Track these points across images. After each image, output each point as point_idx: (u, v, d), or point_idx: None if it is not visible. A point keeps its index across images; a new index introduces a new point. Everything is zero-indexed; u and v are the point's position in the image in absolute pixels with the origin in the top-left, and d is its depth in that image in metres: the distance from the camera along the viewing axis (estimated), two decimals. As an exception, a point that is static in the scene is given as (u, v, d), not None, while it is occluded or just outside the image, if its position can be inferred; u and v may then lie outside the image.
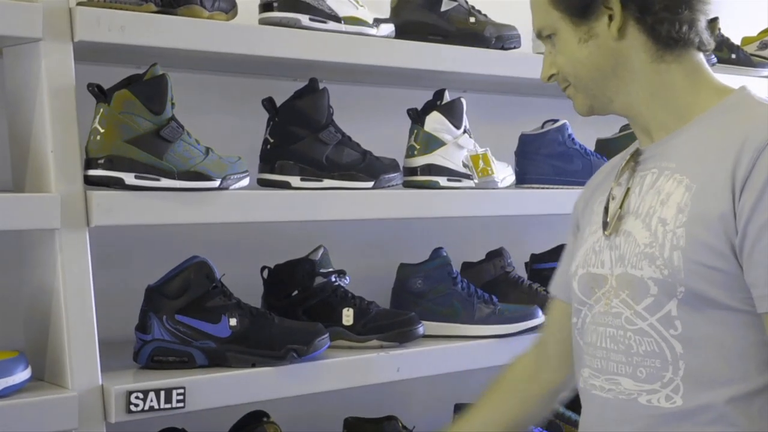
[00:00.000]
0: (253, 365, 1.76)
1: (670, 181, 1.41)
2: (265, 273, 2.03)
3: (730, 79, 2.61)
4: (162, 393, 1.65)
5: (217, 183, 1.75)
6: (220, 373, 1.74)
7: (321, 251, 2.03)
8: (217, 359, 1.76)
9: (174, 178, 1.72)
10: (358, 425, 2.09)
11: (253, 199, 1.82)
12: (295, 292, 2.00)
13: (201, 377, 1.71)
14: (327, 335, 1.84)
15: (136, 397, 1.63)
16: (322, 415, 2.20)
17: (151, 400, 1.64)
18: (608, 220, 1.47)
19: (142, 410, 1.63)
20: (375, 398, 2.22)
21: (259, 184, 1.94)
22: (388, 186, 2.01)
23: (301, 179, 1.92)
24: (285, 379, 1.79)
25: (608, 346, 1.44)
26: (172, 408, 1.65)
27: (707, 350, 1.36)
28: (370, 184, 1.98)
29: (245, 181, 1.81)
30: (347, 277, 2.05)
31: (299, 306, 1.98)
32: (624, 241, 1.44)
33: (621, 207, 1.46)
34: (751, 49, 2.88)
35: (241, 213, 1.80)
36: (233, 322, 1.78)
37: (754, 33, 2.95)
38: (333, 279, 2.02)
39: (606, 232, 1.46)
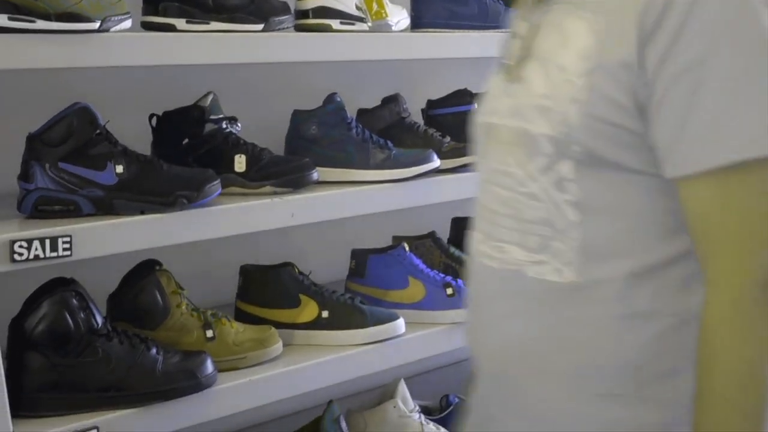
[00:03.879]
0: (142, 212, 1.73)
1: (574, 20, 1.24)
2: (154, 121, 1.98)
3: None
4: (47, 241, 1.61)
5: (96, 25, 1.67)
6: (108, 220, 1.71)
7: (210, 97, 1.98)
8: (103, 207, 1.72)
9: (50, 20, 1.64)
10: (255, 272, 2.09)
11: (136, 42, 1.75)
12: (186, 140, 1.96)
13: (87, 225, 1.67)
14: (218, 181, 1.82)
15: (20, 246, 1.59)
16: (217, 263, 2.19)
17: (36, 249, 1.60)
18: (510, 62, 1.30)
19: (27, 259, 1.59)
20: (270, 245, 2.21)
21: (143, 27, 1.87)
22: (279, 29, 1.95)
23: (187, 22, 1.85)
24: (175, 226, 1.76)
25: (498, 208, 1.29)
26: (58, 257, 1.62)
27: (605, 218, 1.23)
28: (260, 26, 1.92)
29: (127, 24, 1.74)
30: (238, 124, 2.01)
31: (190, 154, 1.94)
32: (521, 89, 1.28)
33: (526, 47, 1.29)
34: None
35: (124, 56, 1.74)
36: (119, 169, 1.74)
37: None
38: (224, 126, 1.98)
39: (506, 76, 1.31)
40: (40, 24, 1.63)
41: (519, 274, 1.26)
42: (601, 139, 1.20)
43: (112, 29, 1.71)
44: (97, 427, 1.63)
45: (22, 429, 1.58)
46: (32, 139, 1.73)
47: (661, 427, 1.23)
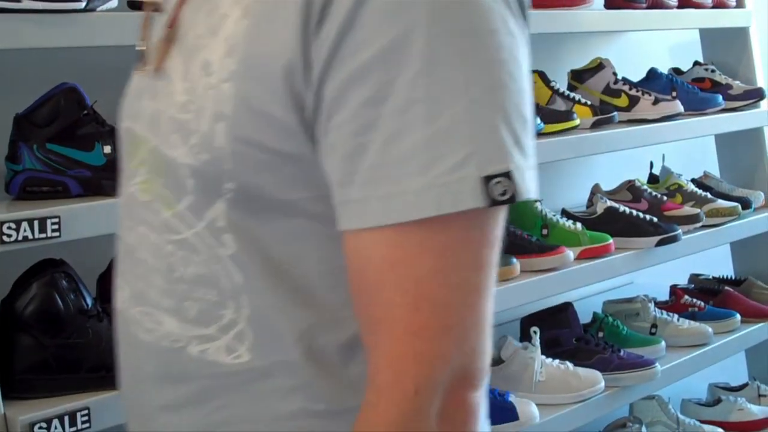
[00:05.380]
0: (131, 193, 1.73)
1: None
2: (142, 101, 1.97)
3: None
4: (36, 223, 1.60)
5: (82, 4, 1.66)
6: (96, 201, 1.70)
7: (198, 77, 1.97)
8: (92, 188, 1.72)
9: None
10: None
11: (122, 21, 1.74)
12: (174, 120, 1.95)
13: (76, 206, 1.66)
14: (207, 161, 1.81)
15: (9, 228, 1.58)
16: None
17: (25, 230, 1.59)
18: (149, 47, 0.97)
19: (16, 240, 1.59)
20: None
21: (129, 7, 1.85)
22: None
23: (174, 1, 1.84)
24: (164, 206, 1.75)
25: (147, 258, 0.94)
26: (47, 238, 1.62)
27: (280, 279, 0.88)
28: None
29: (113, 3, 1.73)
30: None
31: (178, 134, 1.94)
32: (163, 90, 0.92)
33: (171, 26, 0.93)
34: None
35: (110, 36, 1.72)
36: (108, 149, 1.73)
37: None
38: (212, 105, 1.97)
39: (147, 66, 0.96)
40: (26, 3, 1.62)
41: (180, 353, 0.92)
42: (259, 172, 0.85)
43: (98, 8, 1.70)
44: (88, 408, 1.63)
45: (13, 410, 1.58)
46: (19, 120, 1.73)
47: None
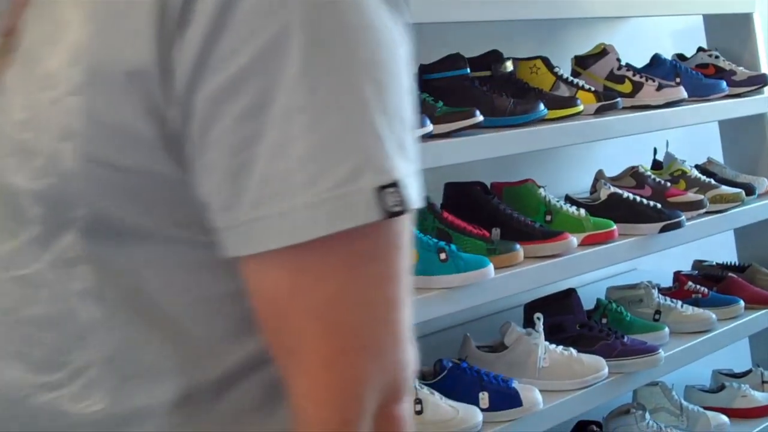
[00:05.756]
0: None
1: None
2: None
3: None
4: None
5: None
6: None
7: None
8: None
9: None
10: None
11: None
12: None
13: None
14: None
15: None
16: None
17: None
18: None
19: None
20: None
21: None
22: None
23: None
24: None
25: None
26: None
27: (141, 314, 0.80)
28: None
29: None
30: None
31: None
32: (1, 107, 0.82)
33: (9, 35, 0.83)
34: None
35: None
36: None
37: None
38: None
39: None
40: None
41: (26, 403, 0.82)
42: (114, 194, 0.77)
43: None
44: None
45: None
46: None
47: None
